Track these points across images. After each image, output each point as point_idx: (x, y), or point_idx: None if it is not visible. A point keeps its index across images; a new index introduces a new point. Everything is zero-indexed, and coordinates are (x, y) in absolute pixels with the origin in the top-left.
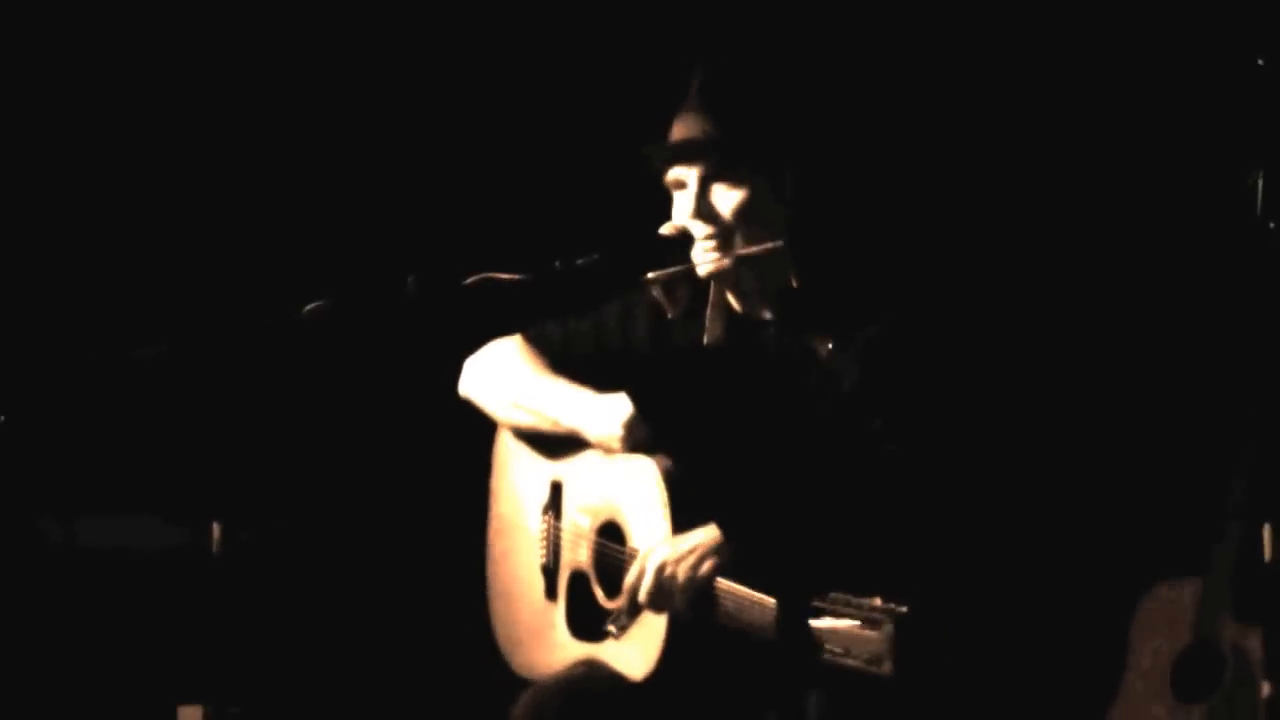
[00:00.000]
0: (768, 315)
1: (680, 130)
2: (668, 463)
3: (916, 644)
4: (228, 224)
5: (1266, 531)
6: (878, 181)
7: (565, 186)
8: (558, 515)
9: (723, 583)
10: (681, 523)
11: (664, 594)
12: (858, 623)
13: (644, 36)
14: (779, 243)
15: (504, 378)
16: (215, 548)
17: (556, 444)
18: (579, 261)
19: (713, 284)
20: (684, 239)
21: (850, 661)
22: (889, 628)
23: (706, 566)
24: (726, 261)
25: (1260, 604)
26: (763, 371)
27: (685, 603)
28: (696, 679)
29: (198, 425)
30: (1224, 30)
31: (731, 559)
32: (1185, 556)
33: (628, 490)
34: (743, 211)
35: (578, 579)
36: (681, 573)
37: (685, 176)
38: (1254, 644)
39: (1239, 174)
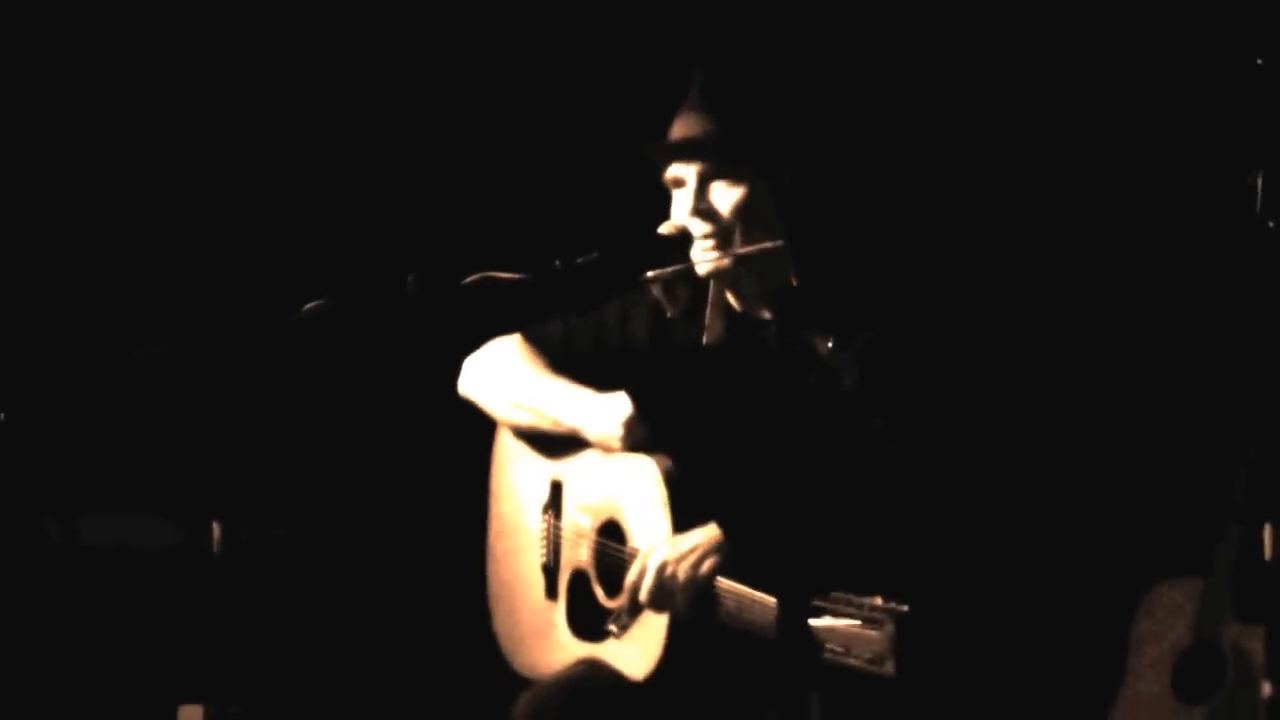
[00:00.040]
0: (767, 314)
1: (680, 129)
2: (668, 462)
3: (918, 644)
4: (228, 224)
5: (1267, 531)
6: (877, 181)
7: (565, 186)
8: (558, 514)
9: (723, 582)
10: (682, 522)
11: (665, 593)
12: (859, 622)
13: (644, 36)
14: (778, 242)
15: (504, 377)
16: (215, 548)
17: (556, 443)
18: (579, 261)
19: (712, 283)
20: (683, 238)
21: (852, 661)
22: (890, 627)
23: (707, 566)
24: (726, 261)
25: (1261, 604)
26: (762, 371)
27: (686, 602)
28: (697, 678)
29: (198, 425)
30: (1224, 30)
31: (731, 558)
32: (1185, 556)
33: (628, 489)
34: (742, 210)
35: (578, 578)
36: (682, 572)
37: (684, 175)
38: (1255, 644)
39: (1239, 174)
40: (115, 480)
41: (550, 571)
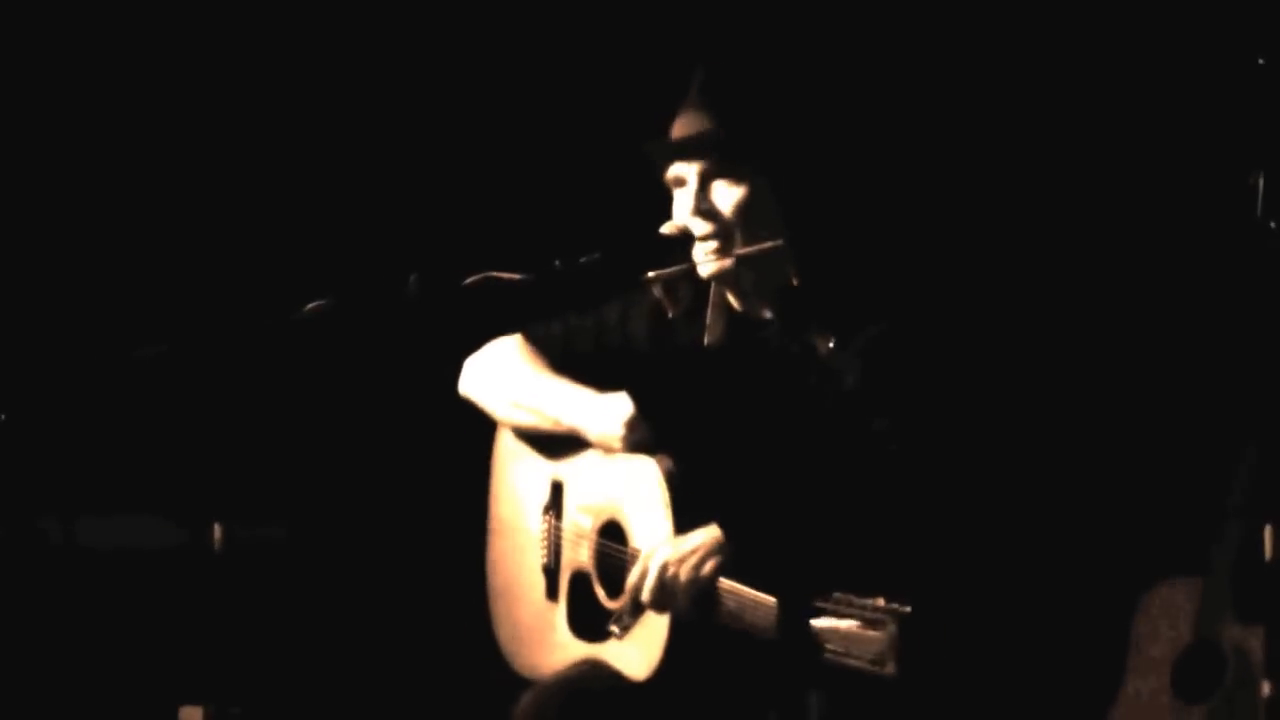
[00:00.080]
0: (768, 314)
1: (681, 127)
2: (669, 462)
3: (920, 644)
4: (228, 224)
5: (1267, 531)
6: (878, 180)
7: (566, 186)
8: (558, 515)
9: (725, 583)
10: (683, 523)
11: (667, 594)
12: (861, 623)
13: (644, 36)
14: (779, 241)
15: (504, 377)
16: (215, 548)
17: (557, 444)
18: (580, 261)
19: (713, 283)
20: (685, 238)
21: (853, 662)
22: (893, 628)
23: (709, 566)
24: (728, 262)
25: (1261, 604)
26: (764, 371)
27: (688, 603)
28: (698, 679)
29: (198, 425)
30: (1224, 30)
31: (733, 559)
32: (1185, 556)
33: (629, 490)
34: (742, 209)
35: (579, 579)
36: (684, 573)
37: (685, 174)
38: (1255, 644)
39: (1239, 174)
40: (115, 480)
41: (551, 572)
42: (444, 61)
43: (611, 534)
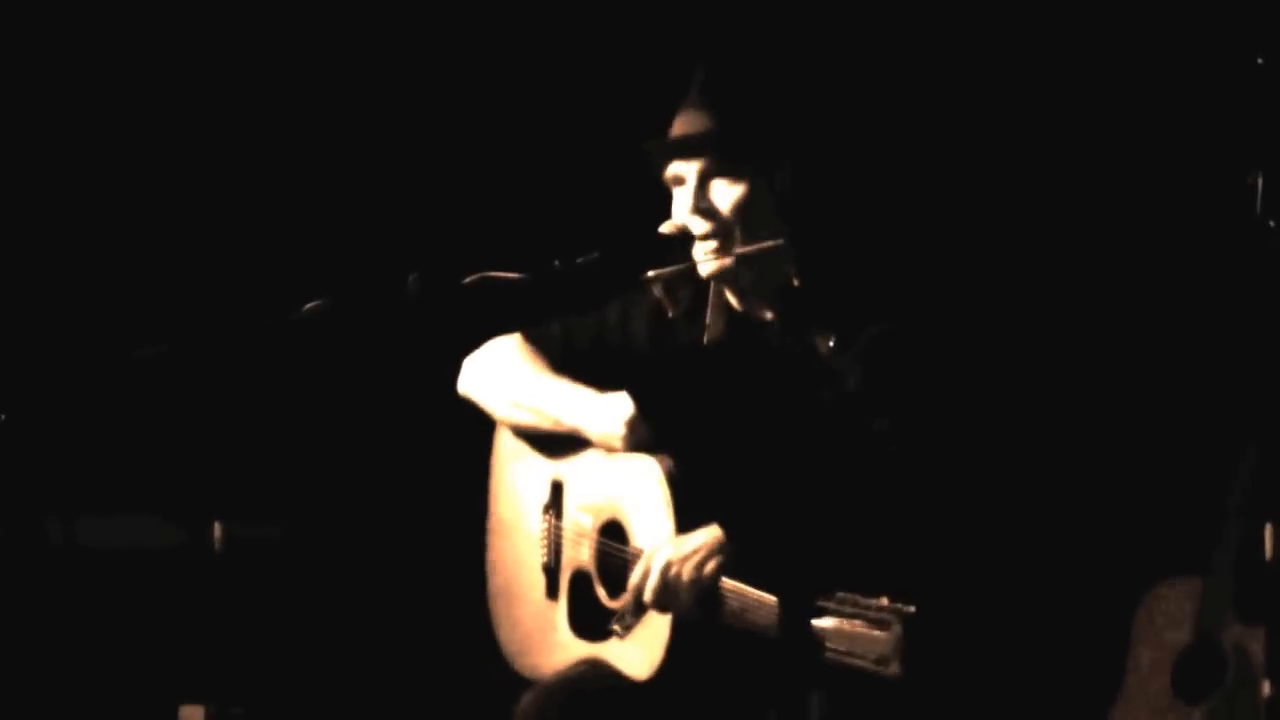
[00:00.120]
0: (768, 314)
1: (680, 126)
2: (670, 462)
3: (925, 645)
4: (227, 224)
5: (1267, 531)
6: (878, 180)
7: (565, 186)
8: (559, 514)
9: (727, 582)
10: (685, 522)
11: (670, 594)
12: (864, 623)
13: (644, 35)
14: (779, 241)
15: (504, 376)
16: (215, 547)
17: (557, 443)
18: (579, 260)
19: (713, 283)
20: (684, 237)
21: (856, 662)
22: (897, 628)
23: (711, 566)
24: (727, 261)
25: (1261, 604)
26: (764, 370)
27: (690, 602)
28: (699, 678)
29: (197, 425)
30: (1224, 30)
31: (734, 558)
32: (1185, 556)
33: (630, 489)
34: (742, 208)
35: (579, 578)
36: (686, 572)
37: (685, 172)
38: (1255, 644)
39: (1239, 174)
40: (115, 480)
41: (551, 571)
42: (443, 62)
43: (612, 533)
